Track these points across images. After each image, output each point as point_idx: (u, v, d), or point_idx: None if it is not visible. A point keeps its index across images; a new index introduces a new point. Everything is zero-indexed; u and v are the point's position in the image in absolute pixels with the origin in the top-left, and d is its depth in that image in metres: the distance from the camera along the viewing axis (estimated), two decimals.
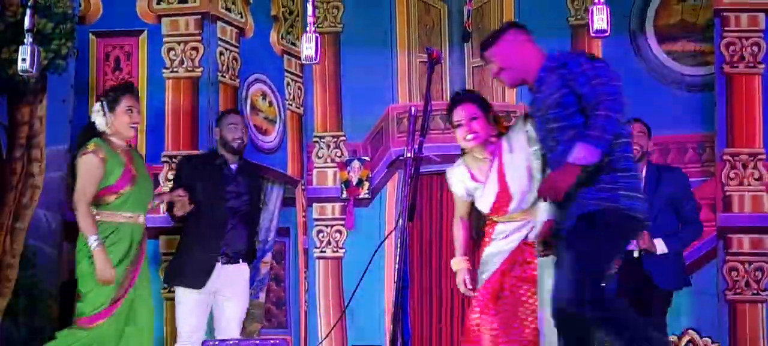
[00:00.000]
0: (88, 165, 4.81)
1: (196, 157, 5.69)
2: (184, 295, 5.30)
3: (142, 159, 5.24)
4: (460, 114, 4.40)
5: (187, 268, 5.30)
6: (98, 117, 4.95)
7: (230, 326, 5.40)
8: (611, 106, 3.68)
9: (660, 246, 5.24)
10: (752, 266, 5.90)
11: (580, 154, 3.66)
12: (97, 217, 4.83)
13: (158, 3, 6.11)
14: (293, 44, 6.80)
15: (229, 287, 5.38)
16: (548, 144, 3.95)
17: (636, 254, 5.28)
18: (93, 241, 4.73)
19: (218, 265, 5.32)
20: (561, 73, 3.89)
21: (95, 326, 4.77)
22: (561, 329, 3.79)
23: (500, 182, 4.36)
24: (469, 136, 4.35)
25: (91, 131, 4.95)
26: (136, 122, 4.99)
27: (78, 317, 4.81)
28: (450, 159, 6.38)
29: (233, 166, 5.47)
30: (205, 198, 5.29)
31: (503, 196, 4.36)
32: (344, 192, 6.95)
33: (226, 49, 6.17)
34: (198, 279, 5.28)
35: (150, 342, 5.00)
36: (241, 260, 5.45)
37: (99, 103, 4.99)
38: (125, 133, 4.96)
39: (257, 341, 4.82)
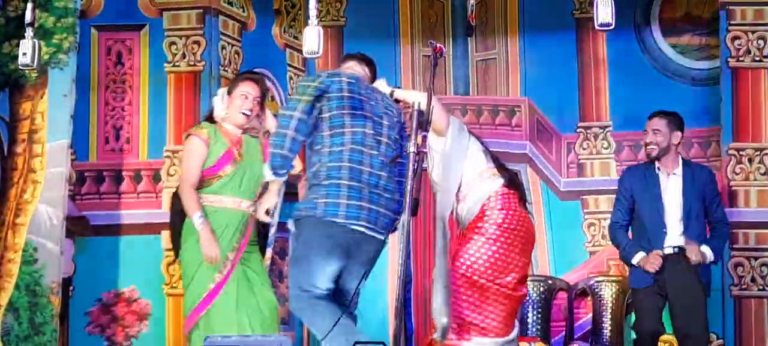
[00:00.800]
0: (190, 146, 4.84)
1: None
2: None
3: (260, 148, 5.02)
4: None
5: None
6: (217, 101, 4.95)
7: None
8: (280, 123, 4.16)
9: (709, 254, 5.22)
10: (758, 261, 5.88)
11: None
12: (202, 200, 4.81)
13: None
14: (295, 38, 6.77)
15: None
16: None
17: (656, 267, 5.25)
18: (197, 218, 4.72)
19: None
20: None
21: (206, 312, 4.75)
22: None
23: None
24: None
25: (208, 118, 4.98)
26: (248, 109, 4.88)
27: (187, 313, 4.81)
28: None
29: None
30: None
31: None
32: None
33: (228, 43, 6.16)
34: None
35: (272, 315, 4.89)
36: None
37: (223, 89, 5.04)
38: (236, 118, 4.89)
39: (259, 338, 4.74)
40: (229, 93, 4.90)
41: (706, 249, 5.21)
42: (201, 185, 4.82)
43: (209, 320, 4.74)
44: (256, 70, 6.39)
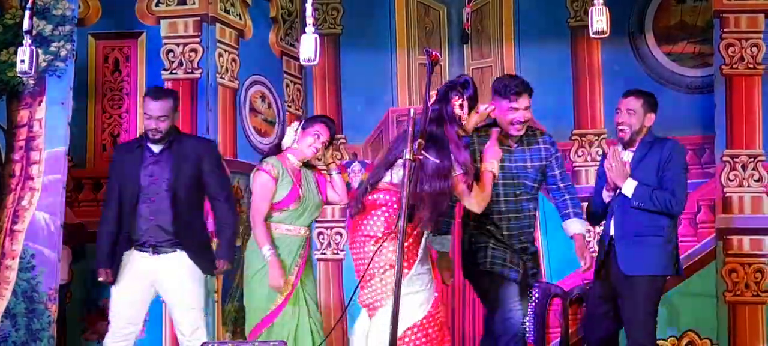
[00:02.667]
0: (260, 181, 5.15)
1: (125, 143, 5.69)
2: (113, 290, 5.19)
3: (314, 181, 5.35)
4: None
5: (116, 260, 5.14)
6: (290, 132, 5.30)
7: (175, 321, 5.22)
8: None
9: (628, 186, 4.87)
10: (752, 267, 5.89)
11: None
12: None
13: (157, 5, 6.12)
14: (292, 46, 6.80)
15: (166, 278, 5.15)
16: None
17: (607, 198, 5.02)
18: (266, 250, 5.05)
19: (147, 255, 5.13)
20: None
21: (266, 330, 5.11)
22: None
23: None
24: None
25: (275, 149, 5.34)
26: (316, 148, 5.21)
27: (250, 330, 5.17)
28: None
29: (156, 148, 5.18)
30: (121, 185, 5.15)
31: None
32: None
33: (225, 50, 6.17)
34: (114, 273, 5.13)
35: (318, 330, 5.26)
36: (177, 249, 5.15)
37: (297, 122, 5.43)
38: (304, 152, 5.23)
39: (257, 343, 4.86)
40: (304, 129, 5.25)
41: (630, 182, 4.87)
42: (269, 214, 5.17)
43: (271, 333, 5.10)
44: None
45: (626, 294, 4.93)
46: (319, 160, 5.43)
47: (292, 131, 5.28)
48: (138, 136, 5.58)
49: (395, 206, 4.45)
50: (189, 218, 5.18)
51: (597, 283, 5.17)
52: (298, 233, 5.22)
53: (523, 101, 4.92)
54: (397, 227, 3.67)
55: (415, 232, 4.46)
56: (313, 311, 5.29)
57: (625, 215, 4.94)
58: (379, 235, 4.47)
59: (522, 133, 4.98)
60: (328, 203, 5.49)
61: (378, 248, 4.39)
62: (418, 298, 4.47)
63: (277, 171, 5.15)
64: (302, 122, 5.40)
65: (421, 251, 4.50)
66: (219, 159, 5.41)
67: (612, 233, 5.02)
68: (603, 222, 5.22)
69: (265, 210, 5.13)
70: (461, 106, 4.58)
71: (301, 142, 5.21)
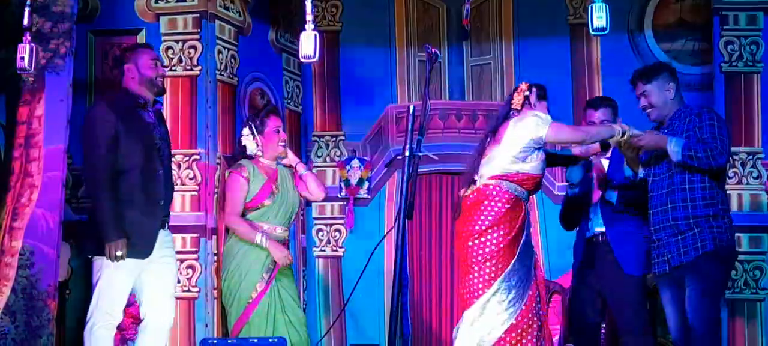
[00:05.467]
0: (233, 183, 5.34)
1: (110, 99, 4.83)
2: (114, 266, 4.56)
3: (291, 177, 5.53)
4: None
5: (130, 234, 4.56)
6: (249, 141, 5.41)
7: (163, 301, 4.77)
8: None
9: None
10: (751, 265, 5.90)
11: None
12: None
13: (156, 2, 6.11)
14: (292, 43, 6.80)
15: (157, 259, 4.70)
16: None
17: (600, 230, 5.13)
18: (259, 238, 5.24)
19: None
20: None
21: (245, 325, 5.26)
22: None
23: None
24: None
25: (241, 155, 5.46)
26: (283, 140, 5.45)
27: (231, 328, 5.33)
28: (448, 158, 6.39)
29: (151, 110, 4.78)
30: (135, 147, 4.60)
31: None
32: (343, 191, 6.95)
33: (225, 47, 6.16)
34: (145, 247, 4.60)
35: (301, 326, 5.37)
36: (167, 226, 4.81)
37: (247, 128, 5.43)
38: (276, 151, 5.43)
39: (256, 341, 4.87)
40: (261, 132, 5.39)
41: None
42: (242, 214, 5.36)
43: (250, 329, 5.22)
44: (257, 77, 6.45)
45: (632, 299, 5.03)
46: (284, 157, 5.54)
47: (250, 139, 5.41)
48: (107, 97, 4.92)
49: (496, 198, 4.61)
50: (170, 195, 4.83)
51: (580, 279, 5.22)
52: (274, 231, 5.36)
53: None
54: (397, 223, 3.67)
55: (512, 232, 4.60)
56: (291, 308, 5.33)
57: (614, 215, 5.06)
58: (483, 228, 4.59)
59: None
60: (308, 201, 5.81)
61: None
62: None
63: (248, 171, 5.32)
64: (249, 125, 5.45)
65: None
66: None
67: (596, 230, 5.12)
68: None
69: (240, 209, 5.30)
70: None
71: (268, 144, 5.39)
